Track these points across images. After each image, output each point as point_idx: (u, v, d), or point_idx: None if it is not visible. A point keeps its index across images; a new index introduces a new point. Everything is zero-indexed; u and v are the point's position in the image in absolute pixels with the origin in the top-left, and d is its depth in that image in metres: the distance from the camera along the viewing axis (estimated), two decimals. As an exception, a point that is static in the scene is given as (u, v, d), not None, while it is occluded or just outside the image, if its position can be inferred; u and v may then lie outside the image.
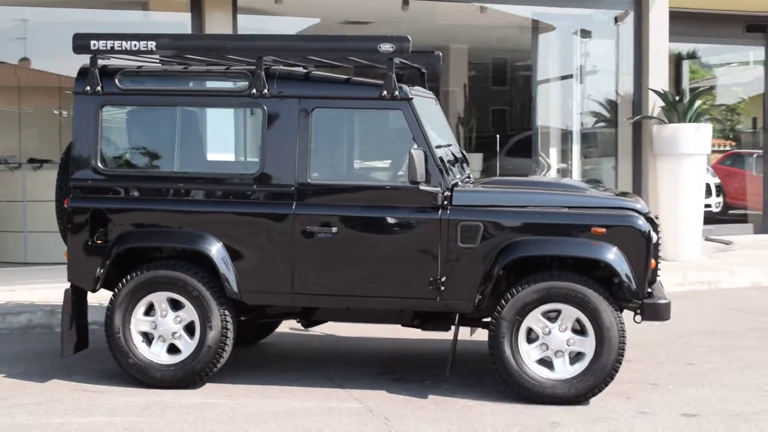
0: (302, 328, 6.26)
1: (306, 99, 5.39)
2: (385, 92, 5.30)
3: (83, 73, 5.57)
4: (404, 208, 5.30)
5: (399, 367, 6.07)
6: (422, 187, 5.17)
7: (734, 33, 12.38)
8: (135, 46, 5.44)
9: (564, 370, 5.20)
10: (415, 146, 5.16)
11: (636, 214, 5.26)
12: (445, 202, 5.24)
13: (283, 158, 5.37)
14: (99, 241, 5.49)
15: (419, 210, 5.27)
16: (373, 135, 5.87)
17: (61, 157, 5.98)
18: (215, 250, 5.37)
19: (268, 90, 5.36)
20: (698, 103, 10.45)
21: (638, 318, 5.28)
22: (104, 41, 5.45)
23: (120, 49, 5.45)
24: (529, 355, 5.22)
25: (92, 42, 5.45)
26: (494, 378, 5.37)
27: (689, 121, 10.27)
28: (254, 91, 5.37)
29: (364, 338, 6.87)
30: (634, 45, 10.77)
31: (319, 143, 5.45)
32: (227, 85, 5.55)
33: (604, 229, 5.16)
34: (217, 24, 9.07)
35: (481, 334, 5.64)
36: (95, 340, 6.00)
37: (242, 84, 5.46)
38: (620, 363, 5.16)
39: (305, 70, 5.68)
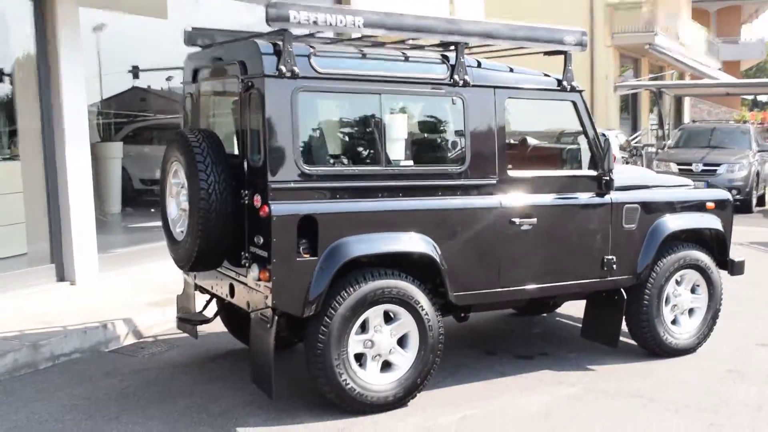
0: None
1: (501, 89, 5.19)
2: (564, 83, 5.40)
3: (270, 51, 4.52)
4: (585, 195, 5.51)
5: (484, 345, 6.24)
6: (609, 174, 5.47)
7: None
8: (341, 21, 4.61)
9: (688, 325, 6.06)
10: (605, 136, 5.43)
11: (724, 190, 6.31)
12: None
13: (486, 150, 5.12)
14: (306, 255, 4.59)
15: (595, 195, 5.54)
16: (546, 124, 5.81)
17: (183, 146, 4.71)
18: (437, 252, 4.94)
19: (469, 78, 5.03)
20: None
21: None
22: (306, 13, 4.51)
23: (323, 24, 4.57)
24: (666, 317, 5.94)
25: (292, 13, 4.47)
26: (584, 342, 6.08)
27: None
28: (456, 78, 4.99)
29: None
30: None
31: (511, 133, 5.29)
32: (425, 71, 4.97)
33: (713, 204, 6.09)
34: (63, 15, 7.57)
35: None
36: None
37: (440, 71, 5.00)
38: (720, 312, 6.18)
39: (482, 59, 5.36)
